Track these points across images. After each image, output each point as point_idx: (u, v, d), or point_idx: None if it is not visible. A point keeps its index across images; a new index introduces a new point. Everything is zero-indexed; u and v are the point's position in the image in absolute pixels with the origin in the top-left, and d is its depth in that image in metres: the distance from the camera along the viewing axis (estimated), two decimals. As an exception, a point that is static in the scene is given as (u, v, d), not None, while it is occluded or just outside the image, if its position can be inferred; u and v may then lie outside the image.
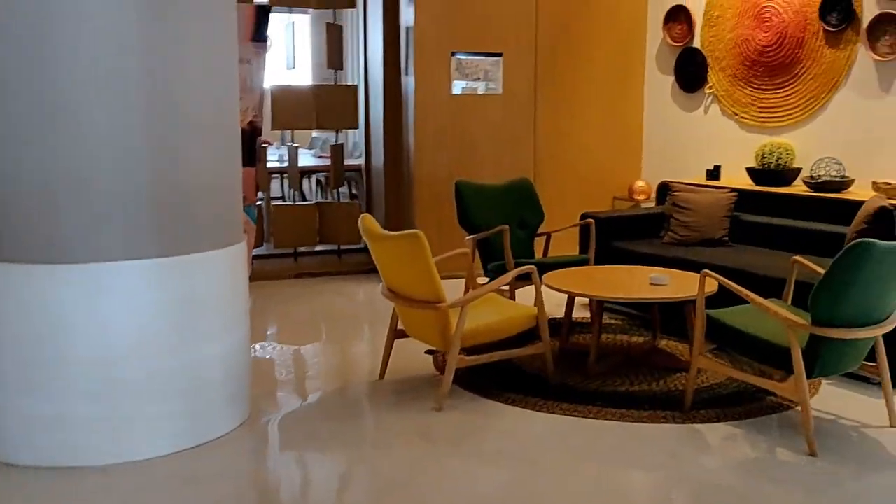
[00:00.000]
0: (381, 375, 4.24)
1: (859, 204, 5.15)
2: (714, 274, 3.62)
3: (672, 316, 4.94)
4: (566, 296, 4.45)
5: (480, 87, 6.57)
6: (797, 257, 3.96)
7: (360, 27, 7.24)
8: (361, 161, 7.56)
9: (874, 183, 5.17)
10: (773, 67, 6.07)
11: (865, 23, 5.46)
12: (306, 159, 8.65)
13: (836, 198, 5.31)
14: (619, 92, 7.10)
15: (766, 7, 6.07)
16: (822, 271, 3.86)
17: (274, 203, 7.42)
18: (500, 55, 6.60)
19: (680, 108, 6.88)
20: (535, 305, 4.11)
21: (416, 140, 6.46)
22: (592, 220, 5.28)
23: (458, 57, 6.47)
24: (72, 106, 3.04)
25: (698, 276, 4.43)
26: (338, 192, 7.79)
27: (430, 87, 6.45)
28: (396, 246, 3.72)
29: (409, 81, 6.54)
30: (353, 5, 6.91)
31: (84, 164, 3.08)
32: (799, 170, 5.81)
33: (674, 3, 6.81)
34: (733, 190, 5.73)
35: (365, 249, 7.42)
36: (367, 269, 6.96)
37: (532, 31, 6.70)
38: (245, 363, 3.68)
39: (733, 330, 3.58)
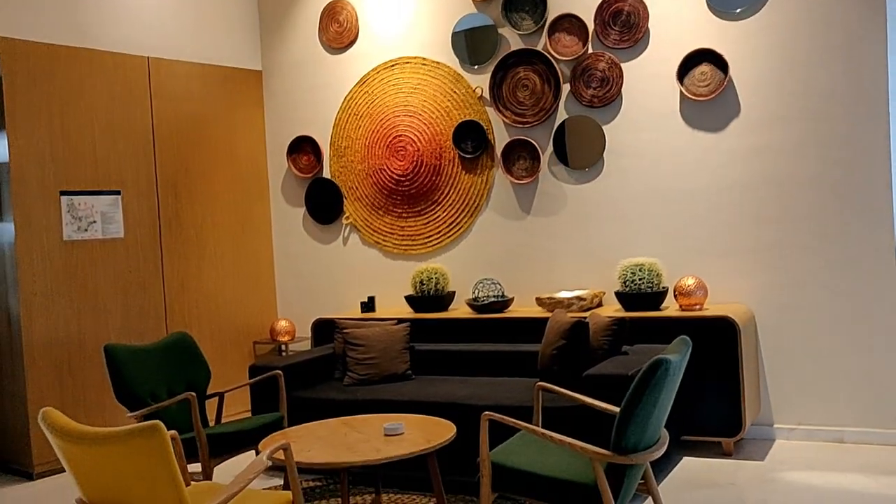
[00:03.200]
0: None
1: (523, 321, 5.33)
2: (498, 416, 3.29)
3: (395, 465, 4.51)
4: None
5: (98, 231, 5.55)
6: (541, 383, 3.83)
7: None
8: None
9: (538, 298, 5.37)
10: (412, 195, 6.12)
11: (499, 149, 5.78)
12: None
13: (501, 317, 5.41)
14: (247, 228, 6.57)
15: (398, 136, 6.13)
16: (564, 392, 3.81)
17: None
18: (118, 193, 5.67)
19: (316, 240, 6.57)
20: (287, 490, 3.36)
21: (22, 298, 5.17)
22: (280, 373, 4.64)
23: (70, 197, 5.41)
24: None
25: (431, 418, 4.11)
26: None
27: (35, 234, 5.26)
28: (122, 448, 2.75)
29: (4, 228, 5.26)
30: None
31: None
32: (454, 293, 5.84)
33: (297, 134, 6.57)
34: (401, 320, 5.54)
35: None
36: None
37: (151, 168, 5.90)
38: None
39: (524, 474, 3.27)
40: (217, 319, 6.32)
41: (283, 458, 3.27)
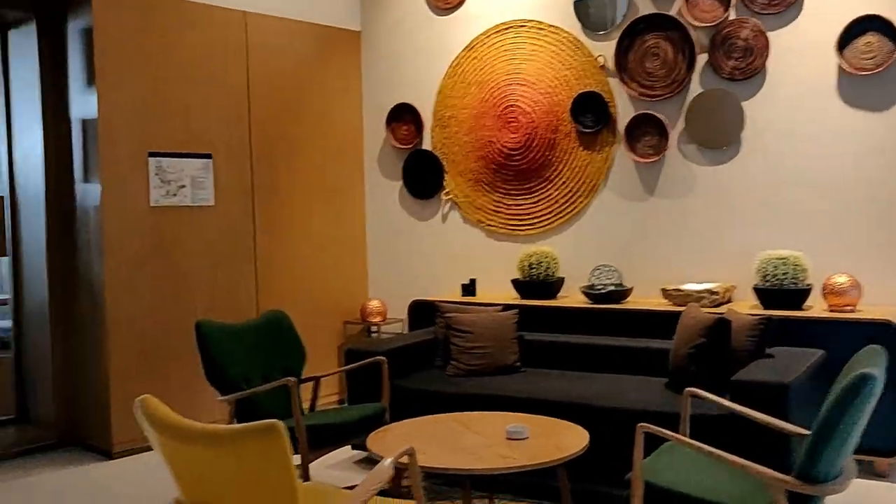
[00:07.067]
0: None
1: (643, 313, 4.80)
2: (656, 428, 2.80)
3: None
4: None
5: (188, 198, 5.19)
6: (691, 389, 3.32)
7: (2, 121, 5.44)
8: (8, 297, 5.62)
9: (664, 290, 4.85)
10: (523, 171, 5.62)
11: (622, 124, 5.25)
12: None
13: (618, 308, 4.89)
14: (340, 201, 6.16)
15: (510, 107, 5.63)
16: (721, 401, 3.29)
17: None
18: (209, 157, 5.30)
19: (413, 216, 6.13)
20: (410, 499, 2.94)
21: (106, 267, 4.84)
22: (384, 359, 4.21)
23: (159, 159, 5.06)
24: None
25: (558, 421, 3.64)
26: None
27: (122, 197, 4.92)
28: (233, 448, 2.34)
29: (89, 190, 4.94)
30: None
31: None
32: (562, 280, 5.35)
33: (397, 102, 6.12)
34: (507, 307, 5.07)
35: (22, 419, 5.48)
36: (32, 449, 5.09)
37: (245, 132, 5.51)
38: None
39: (681, 497, 2.78)
40: (307, 297, 5.93)
41: (406, 462, 2.84)
